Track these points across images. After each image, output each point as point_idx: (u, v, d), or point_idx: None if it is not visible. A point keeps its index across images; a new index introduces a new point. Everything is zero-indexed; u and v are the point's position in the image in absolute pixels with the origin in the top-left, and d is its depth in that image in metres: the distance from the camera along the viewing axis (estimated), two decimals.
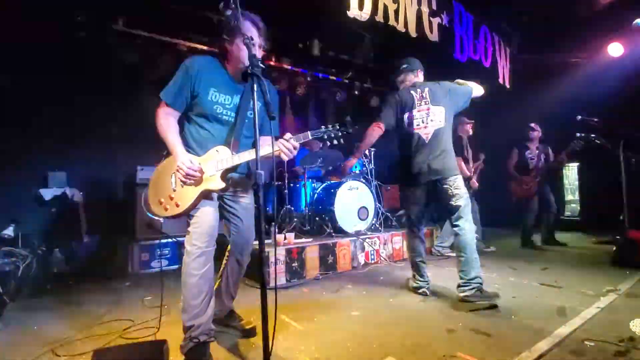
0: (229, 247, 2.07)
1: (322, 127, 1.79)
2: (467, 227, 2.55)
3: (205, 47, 4.48)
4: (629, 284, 2.85)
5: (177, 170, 1.70)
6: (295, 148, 1.73)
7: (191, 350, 1.69)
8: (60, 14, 3.69)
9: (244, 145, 1.88)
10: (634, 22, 2.09)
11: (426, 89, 2.72)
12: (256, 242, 1.53)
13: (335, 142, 1.81)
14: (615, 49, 5.03)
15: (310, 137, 1.78)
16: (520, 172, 4.76)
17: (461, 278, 2.50)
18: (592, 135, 4.52)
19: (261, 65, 1.38)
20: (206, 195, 1.78)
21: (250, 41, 1.42)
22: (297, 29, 4.65)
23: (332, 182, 4.53)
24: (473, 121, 4.53)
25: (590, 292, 2.63)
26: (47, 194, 3.74)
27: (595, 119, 4.24)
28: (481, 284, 2.45)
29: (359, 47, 4.99)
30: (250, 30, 1.76)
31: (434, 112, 2.66)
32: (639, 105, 4.91)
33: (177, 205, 1.75)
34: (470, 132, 4.53)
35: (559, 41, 5.27)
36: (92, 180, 3.91)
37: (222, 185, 1.76)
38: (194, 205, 1.75)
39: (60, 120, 3.90)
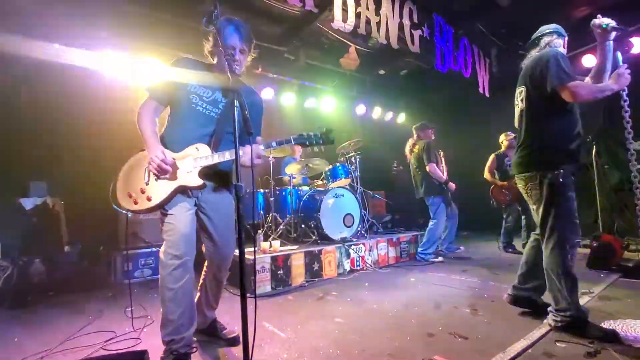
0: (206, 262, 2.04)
1: (304, 133, 1.84)
2: None
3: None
4: (602, 286, 2.96)
5: (150, 163, 1.67)
6: (259, 157, 1.73)
7: None
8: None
9: (225, 146, 1.84)
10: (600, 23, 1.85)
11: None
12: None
13: (315, 148, 1.87)
14: (589, 61, 5.26)
15: (292, 142, 1.82)
16: (501, 179, 4.89)
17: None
18: None
19: (238, 75, 1.40)
20: (182, 191, 1.74)
21: (232, 57, 1.45)
22: (283, 38, 4.73)
23: (317, 189, 4.58)
24: (435, 127, 4.68)
25: None
26: (28, 203, 3.67)
27: None
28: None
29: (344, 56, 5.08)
30: (233, 37, 1.78)
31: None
32: (611, 113, 5.13)
33: (149, 199, 1.70)
34: (433, 137, 4.66)
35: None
36: (73, 190, 3.86)
37: (200, 182, 1.74)
38: (168, 200, 1.71)
39: (41, 129, 3.85)
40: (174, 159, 1.71)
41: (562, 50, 2.28)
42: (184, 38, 4.10)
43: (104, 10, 3.82)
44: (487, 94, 5.20)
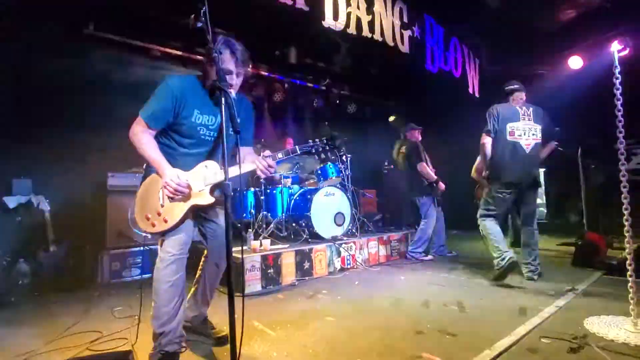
0: (205, 252, 2.08)
1: (310, 141, 1.88)
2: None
3: (179, 52, 4.45)
4: (587, 283, 3.03)
5: (165, 187, 1.69)
6: (270, 166, 1.80)
7: None
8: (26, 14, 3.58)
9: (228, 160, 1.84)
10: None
11: (531, 108, 3.27)
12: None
13: (322, 155, 1.90)
14: (575, 62, 5.36)
15: (298, 152, 1.86)
16: None
17: (531, 264, 3.18)
18: (555, 143, 4.79)
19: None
20: (194, 210, 1.79)
21: (219, 54, 1.45)
22: (274, 36, 4.70)
23: (308, 188, 4.57)
24: (421, 127, 4.70)
25: (551, 292, 2.78)
26: (11, 202, 3.58)
27: (557, 128, 4.49)
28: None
29: (336, 55, 5.08)
30: (229, 62, 1.78)
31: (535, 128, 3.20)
32: (597, 115, 5.24)
33: (165, 221, 1.73)
34: (420, 138, 4.69)
35: (523, 53, 5.57)
36: (59, 187, 3.77)
37: (212, 200, 1.78)
38: (183, 221, 1.75)
39: (25, 125, 3.76)
40: (187, 179, 1.74)
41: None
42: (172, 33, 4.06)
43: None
44: (476, 94, 5.26)
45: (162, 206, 1.74)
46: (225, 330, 2.10)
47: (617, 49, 2.17)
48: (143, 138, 1.73)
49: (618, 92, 2.13)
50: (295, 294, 3.12)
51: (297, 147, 1.86)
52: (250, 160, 1.84)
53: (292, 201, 4.42)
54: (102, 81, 4.01)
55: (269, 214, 4.38)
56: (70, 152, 3.89)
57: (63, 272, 3.63)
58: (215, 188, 1.80)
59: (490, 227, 3.21)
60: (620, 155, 2.11)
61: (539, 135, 3.22)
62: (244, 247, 3.61)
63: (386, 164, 6.28)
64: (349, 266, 4.03)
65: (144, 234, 1.79)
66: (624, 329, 1.99)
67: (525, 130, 3.17)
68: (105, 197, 3.74)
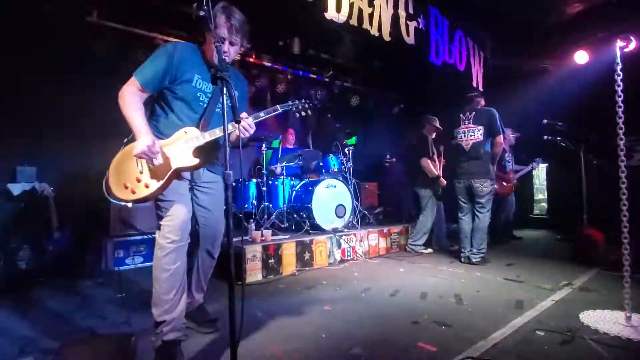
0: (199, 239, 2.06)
1: (289, 101, 1.99)
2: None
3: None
4: (584, 278, 3.06)
5: (138, 154, 1.61)
6: (250, 126, 1.81)
7: (161, 348, 1.67)
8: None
9: (214, 125, 1.87)
10: None
11: (474, 113, 3.83)
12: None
13: (302, 113, 2.00)
14: (581, 57, 5.30)
15: (280, 110, 1.94)
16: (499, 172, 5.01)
17: (474, 247, 3.73)
18: (558, 138, 4.78)
19: (228, 64, 1.41)
20: (178, 174, 1.76)
21: (221, 44, 1.44)
22: (278, 27, 4.67)
23: (310, 180, 4.59)
24: (435, 117, 4.60)
25: (548, 286, 2.81)
26: (16, 188, 3.62)
27: (560, 123, 4.47)
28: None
29: (339, 47, 5.05)
30: (222, 27, 1.75)
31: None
32: (600, 110, 5.19)
33: (147, 186, 1.69)
34: (439, 128, 4.60)
35: (529, 48, 5.51)
36: (63, 175, 3.81)
37: (195, 161, 1.75)
38: (166, 185, 1.71)
39: (29, 112, 3.79)
40: (161, 146, 1.70)
41: None
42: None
43: None
44: (480, 88, 5.22)
45: (142, 172, 1.69)
46: (219, 318, 2.11)
47: (619, 45, 2.16)
48: (129, 97, 1.68)
49: (619, 89, 2.12)
50: (295, 284, 3.16)
51: (278, 106, 1.93)
52: (232, 129, 1.79)
53: (294, 192, 4.44)
54: (107, 69, 4.02)
55: (271, 205, 4.41)
56: (75, 140, 3.92)
57: (67, 258, 3.69)
58: (198, 151, 1.77)
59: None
60: (620, 151, 2.11)
61: (478, 134, 3.73)
62: (245, 238, 3.65)
63: (388, 156, 6.27)
64: (349, 258, 4.08)
65: (122, 204, 1.72)
66: (618, 323, 2.02)
67: (464, 132, 3.82)
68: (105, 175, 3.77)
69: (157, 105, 1.86)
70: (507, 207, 5.08)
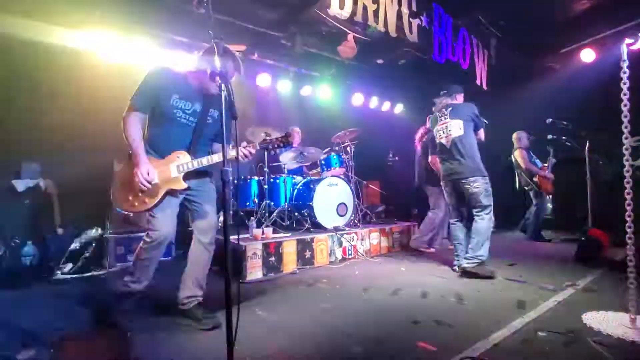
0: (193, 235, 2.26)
1: (267, 138, 2.20)
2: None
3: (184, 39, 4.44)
4: (588, 279, 3.02)
5: (136, 177, 1.94)
6: (251, 154, 2.14)
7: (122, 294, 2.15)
8: None
9: (201, 149, 2.18)
10: None
11: (450, 108, 3.46)
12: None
13: (272, 152, 2.34)
14: (587, 55, 5.23)
15: (258, 148, 2.16)
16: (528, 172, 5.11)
17: (468, 252, 3.21)
18: (563, 138, 4.73)
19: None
20: (171, 193, 2.08)
21: (220, 42, 1.48)
22: (281, 24, 4.65)
23: (311, 178, 4.59)
24: None
25: (550, 287, 2.78)
26: (20, 185, 3.65)
27: (565, 122, 4.42)
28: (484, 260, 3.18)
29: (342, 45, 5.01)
30: (224, 68, 1.86)
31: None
32: (607, 110, 5.12)
33: (145, 202, 2.02)
34: None
35: (534, 46, 5.44)
36: (67, 172, 3.83)
37: (185, 186, 2.07)
38: (160, 202, 2.04)
39: (33, 109, 3.82)
40: (155, 168, 2.01)
41: None
42: (180, 20, 4.04)
43: None
44: (484, 87, 5.17)
45: (142, 191, 2.00)
46: (217, 316, 2.11)
47: (627, 42, 2.12)
48: (130, 126, 1.99)
49: (625, 87, 2.08)
50: (296, 282, 3.16)
51: (256, 143, 2.19)
52: (232, 148, 2.08)
53: (295, 191, 4.44)
54: (107, 64, 4.04)
55: (272, 203, 4.41)
56: (79, 137, 3.95)
57: (69, 255, 3.71)
58: (187, 176, 2.08)
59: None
60: (625, 150, 2.08)
61: (457, 129, 3.35)
62: (246, 235, 3.66)
63: (390, 155, 6.24)
64: (350, 256, 4.07)
65: (125, 212, 2.20)
66: (622, 325, 1.99)
67: (443, 129, 3.47)
68: (111, 183, 3.79)
69: (151, 123, 2.12)
70: (545, 205, 5.13)
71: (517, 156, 5.17)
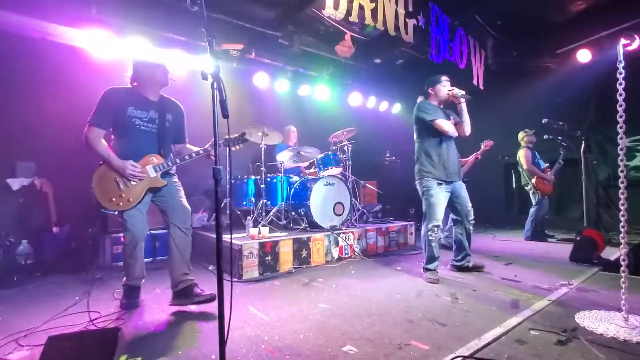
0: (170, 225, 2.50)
1: (226, 137, 2.33)
2: None
3: (182, 38, 4.43)
4: (582, 278, 3.03)
5: (128, 175, 2.26)
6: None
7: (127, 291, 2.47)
8: None
9: (168, 151, 2.52)
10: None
11: None
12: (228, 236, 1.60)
13: (232, 149, 2.44)
14: (583, 55, 5.26)
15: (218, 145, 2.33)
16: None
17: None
18: (559, 138, 4.75)
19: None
20: (152, 190, 2.39)
21: (212, 39, 1.49)
22: (278, 23, 4.65)
23: (308, 177, 4.58)
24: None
25: (545, 286, 2.79)
26: (15, 183, 3.64)
27: (560, 122, 4.44)
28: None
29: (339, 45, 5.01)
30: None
31: None
32: (602, 110, 5.15)
33: (129, 201, 2.30)
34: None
35: (530, 46, 5.46)
36: (62, 171, 3.82)
37: (164, 183, 2.42)
38: (142, 198, 2.34)
39: (28, 108, 3.80)
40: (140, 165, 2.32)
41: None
42: (175, 18, 4.03)
43: None
44: (481, 87, 5.19)
45: (122, 190, 2.28)
46: (213, 293, 2.37)
47: (622, 43, 2.13)
48: (93, 139, 2.28)
49: (621, 87, 2.09)
50: (292, 281, 3.16)
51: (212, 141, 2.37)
52: (203, 149, 2.50)
53: (292, 190, 4.44)
54: (101, 63, 4.03)
55: (269, 202, 4.40)
56: (74, 135, 3.92)
57: (65, 253, 3.70)
58: (163, 174, 2.42)
59: None
60: (620, 151, 2.09)
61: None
62: (243, 235, 3.66)
63: (388, 155, 6.25)
64: (346, 256, 4.07)
65: (110, 212, 2.38)
66: (615, 324, 2.00)
67: None
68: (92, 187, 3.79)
69: (115, 138, 2.41)
70: (544, 206, 5.11)
71: (521, 155, 5.14)
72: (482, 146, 4.34)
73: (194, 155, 2.46)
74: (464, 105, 3.11)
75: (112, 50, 4.04)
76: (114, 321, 2.19)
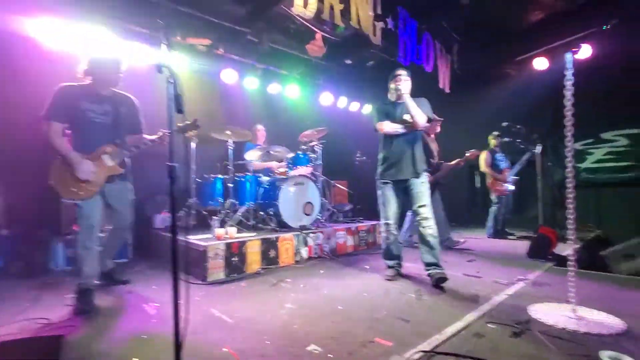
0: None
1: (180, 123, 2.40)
2: None
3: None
4: (537, 273, 3.21)
5: (80, 174, 2.38)
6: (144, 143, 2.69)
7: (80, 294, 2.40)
8: None
9: (124, 142, 2.62)
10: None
11: None
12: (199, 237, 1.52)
13: (185, 133, 2.66)
14: (540, 63, 5.57)
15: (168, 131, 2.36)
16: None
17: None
18: (517, 140, 5.01)
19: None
20: (109, 178, 2.55)
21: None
22: (247, 20, 4.56)
23: (278, 177, 4.54)
24: (441, 119, 4.32)
25: (504, 281, 2.92)
26: None
27: (519, 125, 4.68)
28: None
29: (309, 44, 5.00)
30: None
31: None
32: (558, 115, 5.46)
33: (90, 190, 2.45)
34: (437, 130, 4.51)
35: (493, 53, 5.72)
36: (10, 170, 3.53)
37: (121, 170, 2.61)
38: (103, 185, 2.51)
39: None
40: (91, 164, 2.45)
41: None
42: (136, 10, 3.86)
43: None
44: (447, 90, 5.37)
45: (85, 180, 2.41)
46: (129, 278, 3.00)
47: (570, 52, 2.27)
48: (52, 135, 2.36)
49: (569, 93, 2.23)
50: (259, 282, 3.10)
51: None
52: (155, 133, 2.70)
53: (261, 189, 4.37)
54: (55, 54, 3.77)
55: (237, 202, 4.31)
56: (23, 131, 3.64)
57: (14, 257, 3.43)
58: (120, 163, 2.59)
59: None
60: (568, 153, 2.23)
61: None
62: (208, 235, 3.56)
63: (358, 154, 6.31)
64: (315, 256, 4.06)
65: (72, 201, 2.47)
66: (564, 315, 2.12)
67: None
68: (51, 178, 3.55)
69: (72, 132, 2.50)
70: (508, 205, 5.36)
71: (481, 158, 5.35)
72: (467, 154, 4.47)
73: (149, 143, 2.64)
74: (406, 99, 2.97)
75: (65, 40, 3.79)
76: (62, 328, 2.04)
